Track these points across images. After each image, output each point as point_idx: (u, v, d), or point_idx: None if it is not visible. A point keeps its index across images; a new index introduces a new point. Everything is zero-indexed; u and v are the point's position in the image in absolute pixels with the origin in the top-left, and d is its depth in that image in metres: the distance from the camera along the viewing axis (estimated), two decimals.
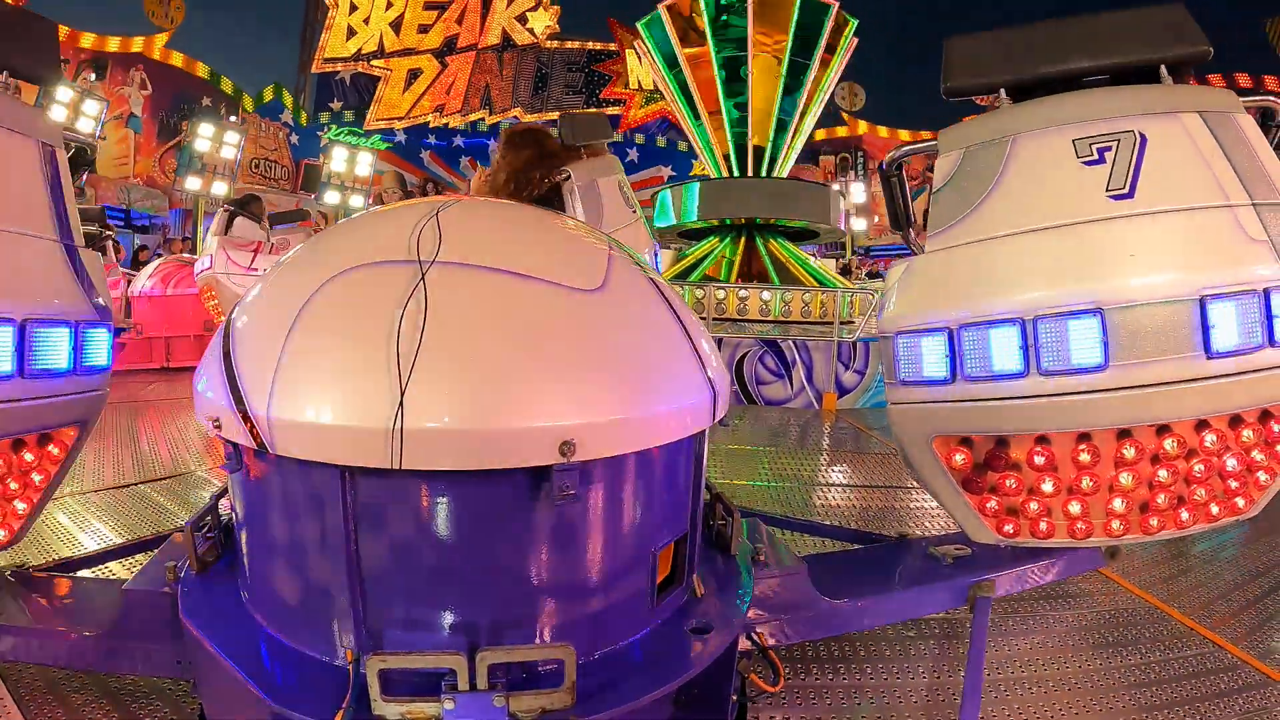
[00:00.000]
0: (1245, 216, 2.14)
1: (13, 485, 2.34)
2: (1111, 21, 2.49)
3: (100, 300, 2.41)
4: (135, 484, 5.28)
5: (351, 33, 30.30)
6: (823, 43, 13.79)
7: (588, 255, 2.10)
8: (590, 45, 32.65)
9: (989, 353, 2.26)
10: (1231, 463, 2.26)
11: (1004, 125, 2.43)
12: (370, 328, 1.74)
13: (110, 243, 10.94)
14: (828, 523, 4.75)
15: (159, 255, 17.22)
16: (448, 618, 1.81)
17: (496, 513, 1.80)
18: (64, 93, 17.24)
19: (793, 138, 14.30)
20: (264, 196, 25.69)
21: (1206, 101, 2.29)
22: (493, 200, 2.44)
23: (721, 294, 10.97)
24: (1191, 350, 2.09)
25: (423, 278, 1.81)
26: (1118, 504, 2.31)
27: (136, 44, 25.65)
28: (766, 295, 11.03)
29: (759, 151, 14.06)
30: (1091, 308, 2.13)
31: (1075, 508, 2.34)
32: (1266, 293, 2.09)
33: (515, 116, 31.09)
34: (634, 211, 4.02)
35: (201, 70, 27.46)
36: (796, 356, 10.18)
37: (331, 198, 21.77)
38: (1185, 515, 2.33)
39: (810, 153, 34.23)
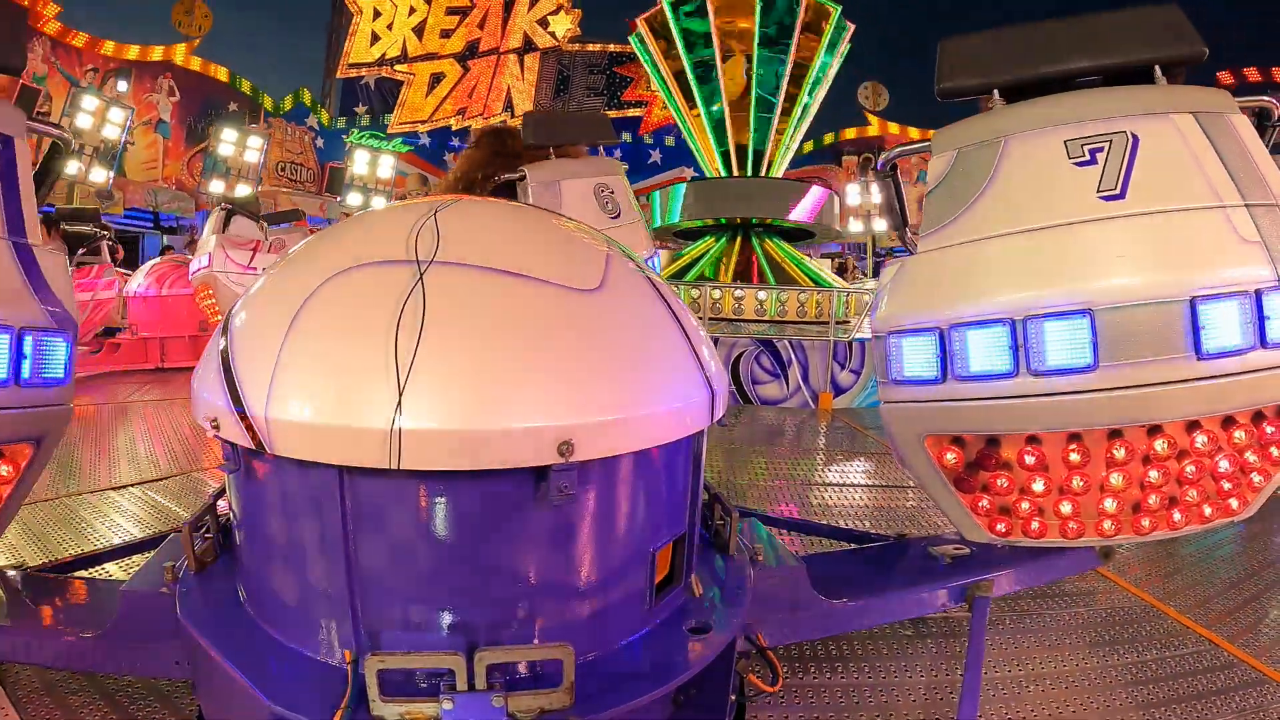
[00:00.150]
0: (1238, 217, 2.14)
1: None
2: (1106, 22, 2.50)
3: (59, 307, 2.21)
4: (131, 485, 5.27)
5: (375, 38, 30.80)
6: (796, 35, 13.72)
7: (586, 255, 2.10)
8: (611, 48, 32.67)
9: (979, 353, 2.27)
10: (1224, 464, 2.26)
11: (996, 126, 2.43)
12: (368, 328, 1.74)
13: (105, 244, 10.93)
14: (825, 522, 4.76)
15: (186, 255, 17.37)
16: (446, 618, 1.81)
17: (494, 513, 1.79)
18: (90, 101, 17.56)
19: (787, 138, 14.29)
20: (290, 198, 26.36)
21: (1200, 102, 2.29)
22: (492, 200, 2.44)
23: (717, 294, 10.97)
24: (1182, 351, 2.09)
25: (421, 278, 1.80)
26: (1109, 504, 2.32)
27: (164, 52, 26.77)
28: (762, 295, 11.03)
29: (753, 152, 14.04)
30: (1081, 308, 2.14)
31: (1066, 507, 2.35)
32: (1258, 294, 2.08)
33: None
34: (616, 216, 3.93)
35: (228, 76, 28.25)
36: (792, 356, 10.18)
37: (354, 199, 22.17)
38: (1178, 516, 2.33)
39: (833, 152, 34.25)
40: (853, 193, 20.38)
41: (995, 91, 2.53)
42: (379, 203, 22.60)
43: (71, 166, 17.28)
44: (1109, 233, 2.18)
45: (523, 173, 3.74)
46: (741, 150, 14.05)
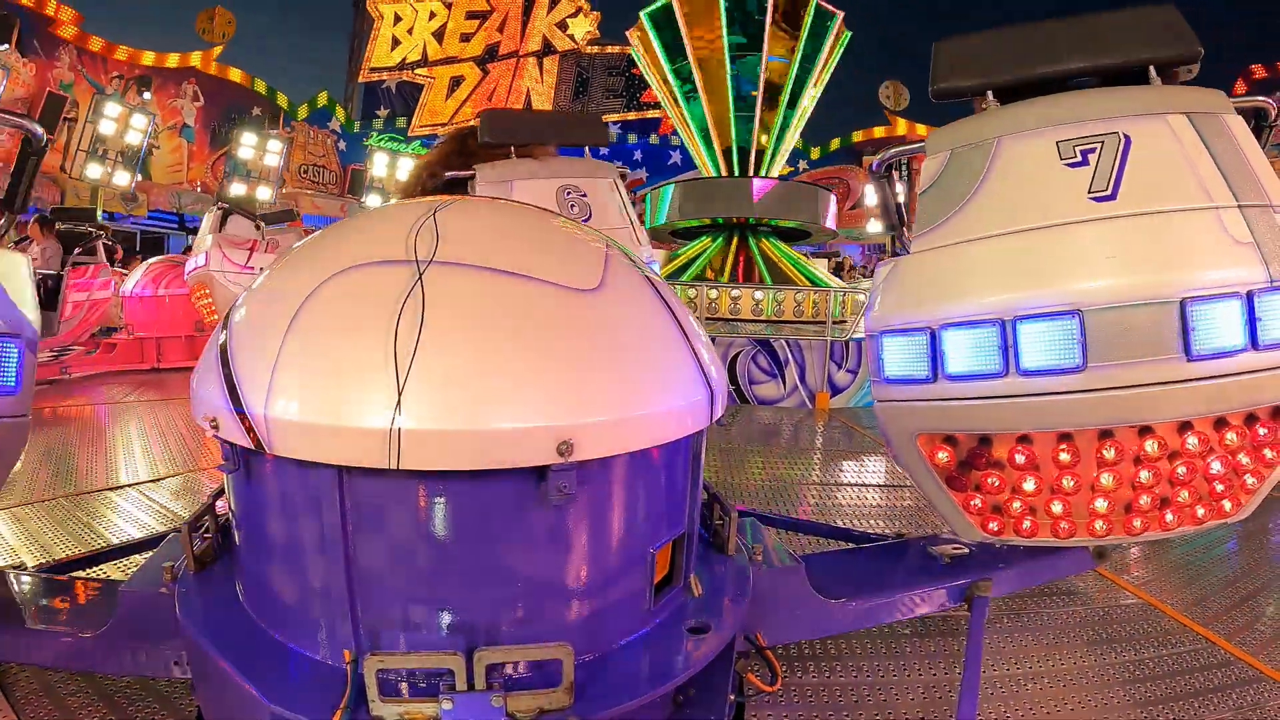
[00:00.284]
0: (1230, 218, 2.14)
1: None
2: (1102, 22, 2.50)
3: (10, 311, 2.09)
4: (128, 486, 5.26)
5: (396, 43, 31.26)
6: (766, 36, 13.72)
7: (585, 255, 2.10)
8: (630, 49, 32.74)
9: (968, 353, 2.28)
10: (1216, 465, 2.27)
11: (989, 127, 2.44)
12: (368, 328, 1.74)
13: (101, 244, 10.91)
14: (822, 522, 4.76)
15: None
16: (445, 618, 1.81)
17: (494, 513, 1.79)
18: (112, 108, 17.93)
19: (783, 140, 14.28)
20: (312, 200, 26.78)
21: (1194, 102, 2.29)
22: (491, 200, 2.44)
23: (714, 293, 10.97)
24: (1172, 353, 2.10)
25: (420, 278, 1.80)
26: (1100, 504, 2.33)
27: (188, 59, 27.36)
28: (759, 295, 11.02)
29: (745, 153, 14.04)
30: (1069, 309, 2.14)
31: (1058, 507, 2.36)
32: (1249, 295, 2.08)
33: None
34: (586, 219, 3.89)
35: (251, 81, 28.88)
36: (789, 356, 10.18)
37: (374, 201, 22.76)
38: (1170, 517, 2.34)
39: (853, 153, 34.20)
40: (871, 193, 20.39)
41: (989, 92, 2.54)
42: None
43: (95, 170, 17.41)
44: (1099, 234, 2.18)
45: (473, 172, 3.72)
46: (736, 150, 14.04)
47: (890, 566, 3.02)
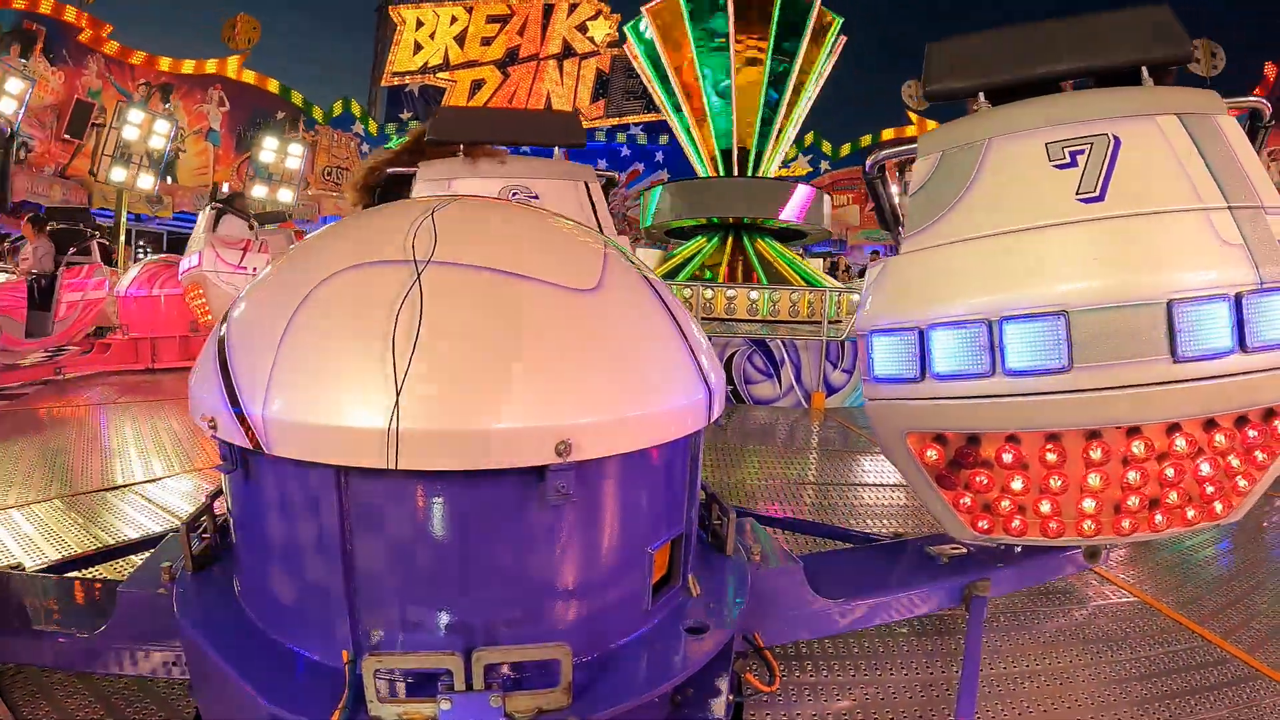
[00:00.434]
0: (1220, 220, 2.14)
1: None
2: (1095, 24, 2.51)
3: None
4: (123, 486, 5.25)
5: (418, 47, 31.52)
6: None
7: (583, 255, 2.10)
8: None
9: (956, 352, 2.30)
10: (1205, 467, 2.27)
11: (979, 129, 2.46)
12: (366, 328, 1.74)
13: (94, 243, 10.89)
14: (820, 521, 4.76)
15: None
16: (444, 618, 1.81)
17: (492, 513, 1.80)
18: (135, 114, 18.63)
19: (776, 139, 14.25)
20: (335, 201, 27.12)
21: (1185, 103, 2.29)
22: (489, 200, 2.44)
23: (710, 293, 10.96)
24: (1158, 354, 2.10)
25: (418, 278, 1.80)
26: (1088, 504, 2.34)
27: (214, 66, 28.12)
28: (755, 294, 11.02)
29: (742, 153, 14.02)
30: (1055, 310, 2.15)
31: (1046, 506, 2.37)
32: (1238, 297, 2.09)
33: None
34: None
35: (275, 86, 29.43)
36: (785, 356, 10.19)
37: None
38: (1160, 518, 2.34)
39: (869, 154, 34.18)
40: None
41: (981, 94, 2.55)
42: None
43: (119, 174, 17.79)
44: (1086, 235, 2.19)
45: (414, 169, 3.76)
46: (731, 152, 14.02)
47: (888, 566, 3.03)
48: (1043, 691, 2.89)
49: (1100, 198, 2.22)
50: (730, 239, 13.34)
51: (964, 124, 2.51)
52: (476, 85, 31.73)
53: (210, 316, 10.56)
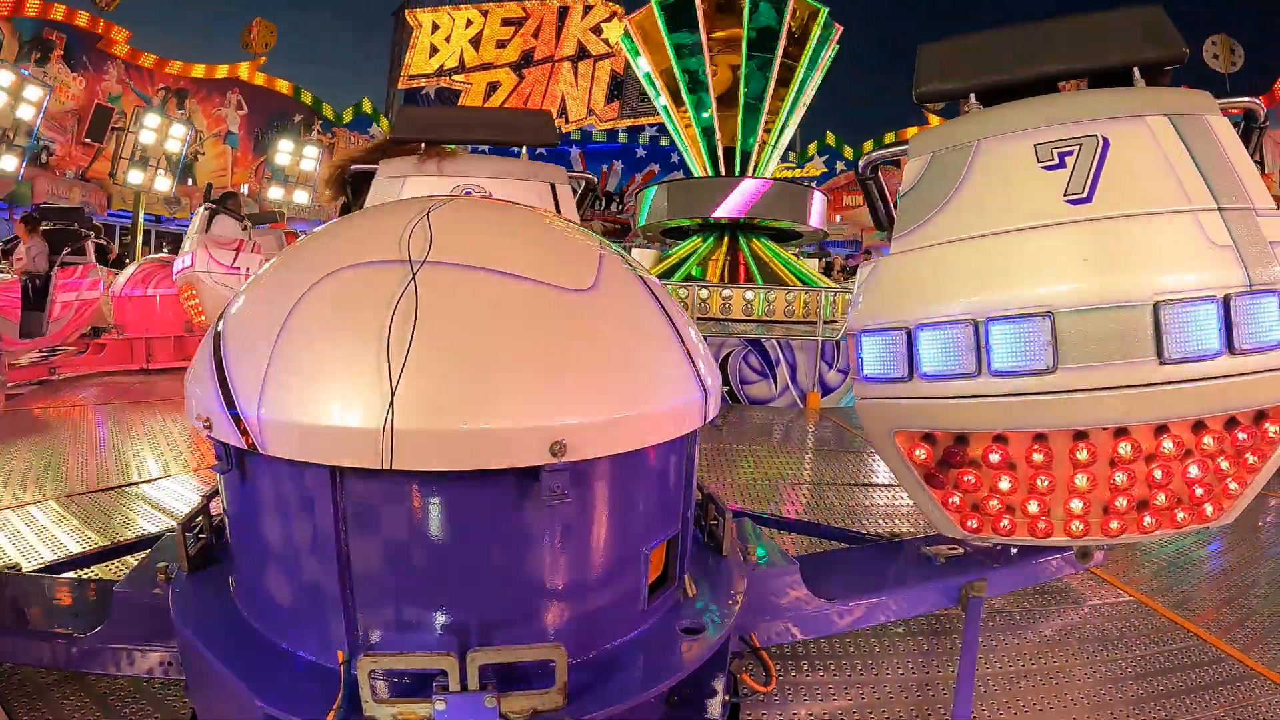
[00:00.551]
0: (1209, 221, 2.14)
1: None
2: (1087, 24, 2.51)
3: None
4: (119, 487, 5.23)
5: (434, 50, 31.88)
6: (782, 41, 13.67)
7: (579, 255, 2.10)
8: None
9: (942, 353, 2.31)
10: (1194, 470, 2.27)
11: (969, 130, 2.47)
12: (361, 328, 1.74)
13: (90, 243, 10.87)
14: (815, 521, 4.76)
15: None
16: (439, 618, 1.81)
17: (486, 513, 1.80)
18: (152, 119, 19.60)
19: (769, 137, 14.22)
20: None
21: (1177, 104, 2.29)
22: (485, 200, 2.44)
23: (705, 293, 10.95)
24: (1143, 355, 2.10)
25: (413, 278, 1.80)
26: (1076, 505, 2.34)
27: (232, 70, 29.16)
28: (750, 294, 11.01)
29: (738, 153, 14.00)
30: (1041, 311, 2.16)
31: (1034, 506, 2.37)
32: (1226, 299, 2.08)
33: (590, 125, 32.25)
34: None
35: (291, 90, 30.49)
36: (780, 356, 10.20)
37: None
38: (1149, 520, 2.34)
39: None
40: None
41: (972, 96, 2.55)
42: None
43: (137, 176, 18.19)
44: (1073, 236, 2.20)
45: (374, 167, 3.80)
46: (729, 152, 14.00)
47: (885, 567, 3.03)
48: (1038, 690, 2.89)
49: (1088, 199, 2.22)
50: (726, 239, 13.33)
51: (954, 125, 2.53)
52: (492, 87, 32.03)
53: (204, 317, 10.53)
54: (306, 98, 30.68)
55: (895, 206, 2.84)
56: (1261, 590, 4.01)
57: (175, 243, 27.49)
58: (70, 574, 3.11)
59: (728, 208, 12.63)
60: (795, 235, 14.09)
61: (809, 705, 2.76)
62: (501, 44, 32.03)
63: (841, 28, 14.39)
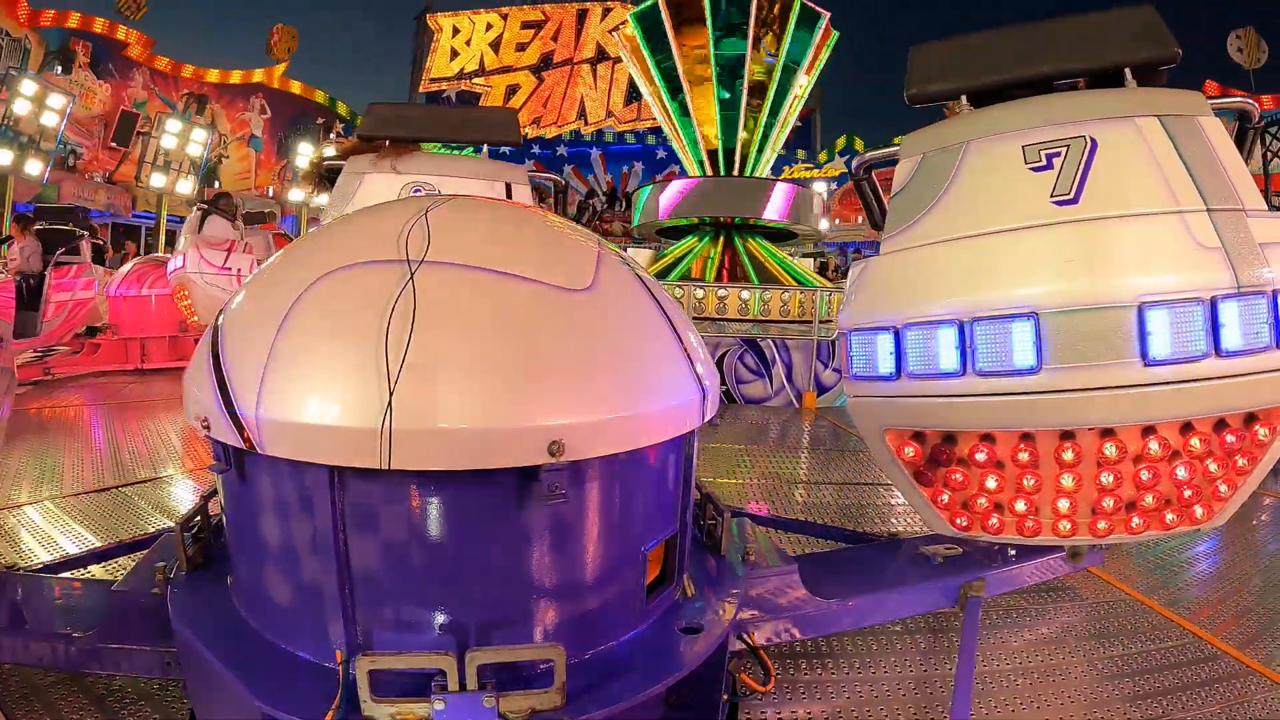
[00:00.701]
0: (1196, 223, 2.14)
1: None
2: (1077, 25, 2.52)
3: None
4: (115, 487, 5.22)
5: (455, 54, 32.36)
6: (787, 40, 13.67)
7: (577, 255, 2.10)
8: None
9: (928, 352, 2.33)
10: (1181, 471, 2.27)
11: (959, 131, 2.48)
12: (359, 328, 1.73)
13: (84, 243, 10.84)
14: (811, 520, 4.77)
15: None
16: (437, 618, 1.81)
17: (485, 513, 1.80)
18: (173, 124, 20.28)
19: (765, 138, 14.21)
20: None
21: (1167, 105, 2.29)
22: (483, 200, 2.44)
23: (700, 293, 10.95)
24: (1127, 357, 2.10)
25: (411, 277, 1.80)
26: (1063, 504, 2.34)
27: (256, 75, 30.13)
28: (746, 294, 11.01)
29: (730, 153, 13.99)
30: (1026, 312, 2.16)
31: (1021, 505, 2.38)
32: (1213, 301, 2.08)
33: (610, 126, 32.41)
34: None
35: (309, 91, 31.54)
36: (776, 355, 10.21)
37: None
38: (1137, 521, 2.34)
39: None
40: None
41: (964, 97, 2.56)
42: None
43: (159, 179, 18.63)
44: (1059, 237, 2.20)
45: (342, 163, 3.89)
46: (725, 151, 14.00)
47: (883, 567, 3.03)
48: (1036, 688, 2.90)
49: (1074, 200, 2.23)
50: (722, 238, 13.33)
51: (944, 127, 2.54)
52: (511, 90, 32.34)
53: (196, 318, 10.52)
54: (322, 98, 31.38)
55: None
56: (1256, 588, 4.02)
57: None
58: (68, 574, 3.10)
59: (772, 210, 12.66)
60: (791, 235, 14.09)
61: (808, 704, 2.76)
62: (521, 47, 32.36)
63: (828, 13, 14.31)
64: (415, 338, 1.70)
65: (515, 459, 1.69)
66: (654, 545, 2.07)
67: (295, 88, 30.89)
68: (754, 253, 13.08)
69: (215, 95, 28.57)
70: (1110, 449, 2.24)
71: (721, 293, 11.01)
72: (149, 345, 11.35)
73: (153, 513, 4.69)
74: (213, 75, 28.43)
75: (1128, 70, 2.41)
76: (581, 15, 32.23)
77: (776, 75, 13.78)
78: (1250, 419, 2.24)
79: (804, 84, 14.35)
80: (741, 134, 13.84)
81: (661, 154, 32.27)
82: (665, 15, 13.57)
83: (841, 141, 32.89)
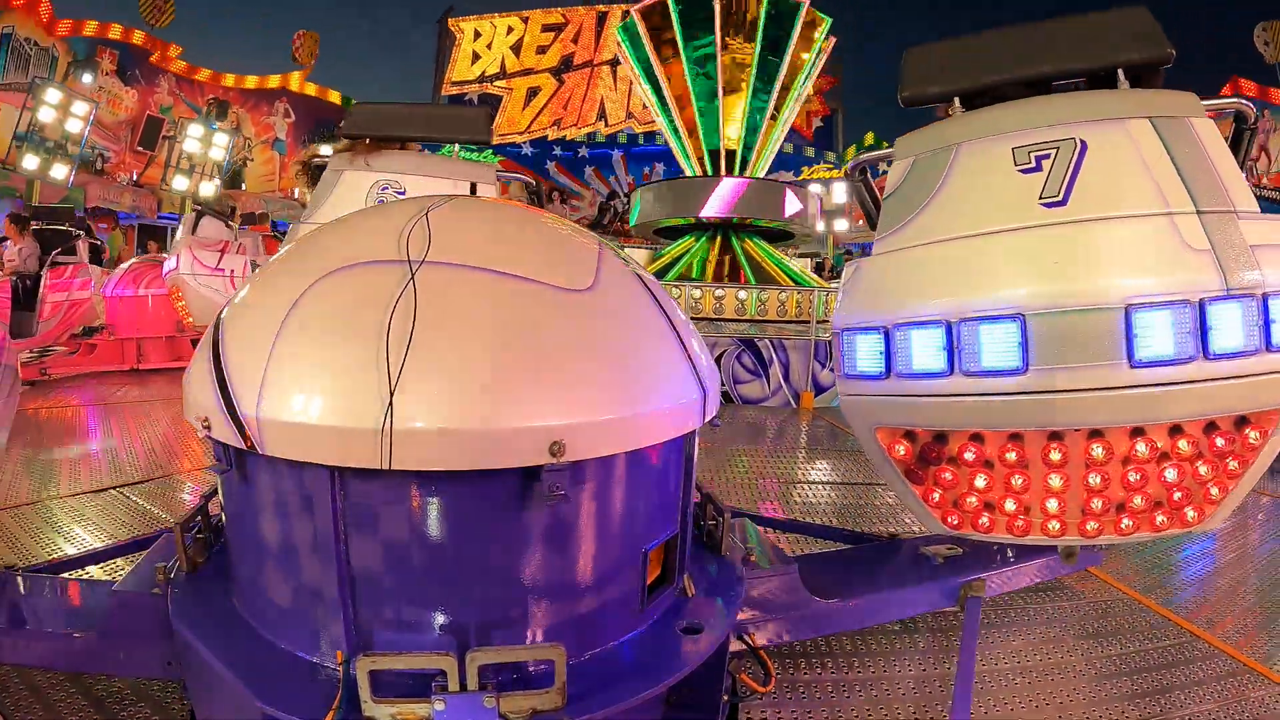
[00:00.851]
0: (1186, 225, 2.13)
1: None
2: (1070, 26, 2.52)
3: None
4: (112, 488, 5.21)
5: (476, 57, 32.44)
6: (793, 44, 13.69)
7: (578, 255, 2.10)
8: None
9: (917, 352, 2.34)
10: (1171, 473, 2.27)
11: (950, 134, 2.49)
12: (360, 328, 1.73)
13: (81, 242, 10.81)
14: (810, 520, 4.77)
15: None
16: (438, 618, 1.81)
17: (486, 513, 1.79)
18: (195, 129, 20.76)
19: (764, 140, 14.22)
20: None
21: (1160, 106, 2.29)
22: (483, 200, 2.44)
23: (698, 293, 10.95)
24: (1114, 358, 2.10)
25: (412, 278, 1.80)
26: (1052, 505, 2.35)
27: (281, 80, 31.15)
28: (743, 294, 11.01)
29: (729, 155, 13.99)
30: (1011, 313, 2.17)
31: (1010, 505, 2.39)
32: (1201, 304, 2.07)
33: (629, 127, 32.35)
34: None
35: (336, 98, 32.30)
36: (773, 355, 10.21)
37: None
38: (1126, 522, 2.34)
39: None
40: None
41: (956, 99, 2.57)
42: None
43: (182, 182, 19.28)
44: (1046, 239, 2.20)
45: (325, 160, 3.95)
46: (719, 152, 14.00)
47: (883, 567, 3.03)
48: (1034, 686, 2.91)
49: (1063, 202, 2.23)
50: (719, 239, 13.34)
51: (936, 129, 2.55)
52: (532, 92, 32.46)
53: (190, 319, 10.50)
54: (338, 99, 31.95)
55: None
56: (1253, 587, 4.04)
57: None
58: (67, 574, 3.10)
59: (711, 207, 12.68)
60: (788, 235, 14.10)
61: (807, 704, 2.77)
62: (542, 50, 32.43)
63: (835, 39, 14.35)
64: (416, 338, 1.70)
65: (516, 459, 1.69)
66: (655, 545, 2.07)
67: (311, 90, 31.63)
68: (751, 253, 13.09)
69: (240, 100, 29.63)
70: (1098, 450, 2.25)
71: (719, 293, 11.02)
72: (145, 345, 11.33)
73: (150, 514, 4.68)
74: (230, 80, 29.33)
75: (1120, 71, 2.41)
76: (601, 18, 32.20)
77: (779, 80, 13.82)
78: (1242, 422, 2.23)
79: (805, 87, 14.37)
80: (739, 134, 13.86)
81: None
82: (674, 14, 13.58)
83: (869, 139, 32.83)
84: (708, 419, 2.11)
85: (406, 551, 1.80)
